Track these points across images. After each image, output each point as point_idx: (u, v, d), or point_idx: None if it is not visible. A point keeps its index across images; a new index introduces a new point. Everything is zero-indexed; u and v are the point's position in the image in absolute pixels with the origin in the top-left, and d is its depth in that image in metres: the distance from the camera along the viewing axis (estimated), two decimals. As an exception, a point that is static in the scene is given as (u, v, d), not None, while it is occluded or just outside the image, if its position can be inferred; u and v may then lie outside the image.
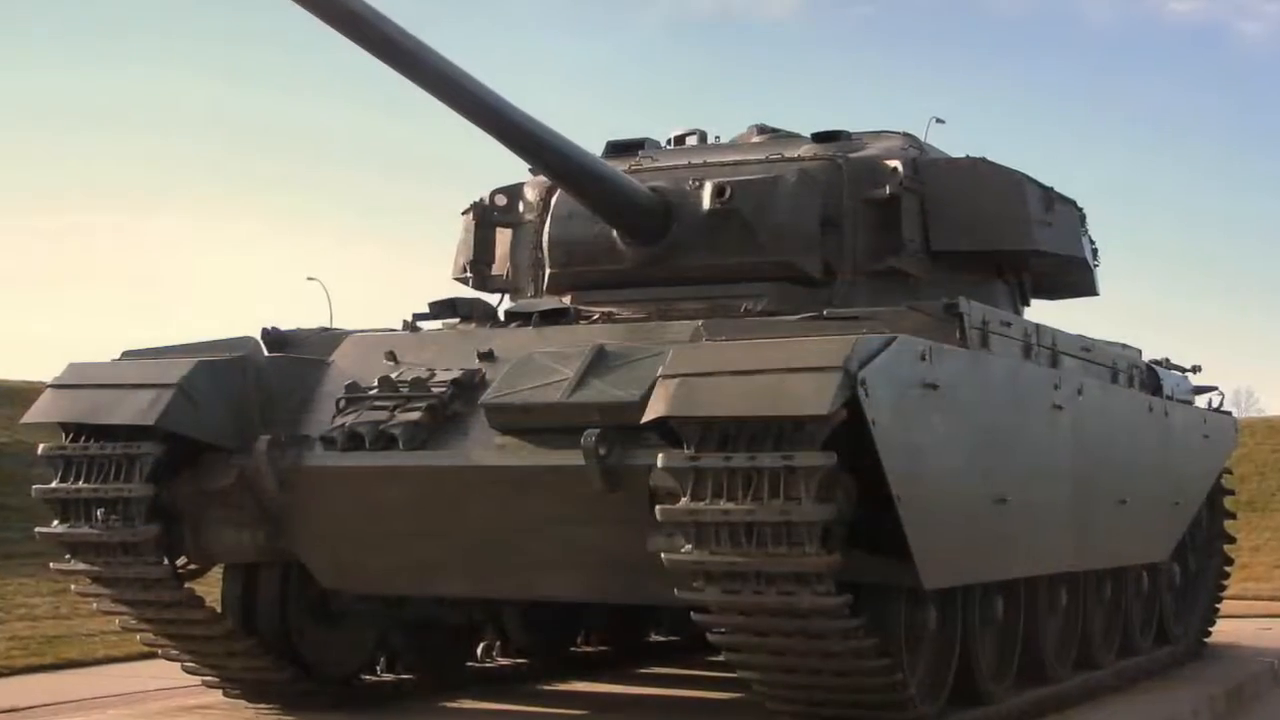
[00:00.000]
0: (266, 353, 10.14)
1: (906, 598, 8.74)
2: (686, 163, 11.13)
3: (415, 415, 9.07)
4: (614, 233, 10.76)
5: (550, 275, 11.14)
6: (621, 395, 8.51)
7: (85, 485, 9.24)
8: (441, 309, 10.88)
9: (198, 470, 9.45)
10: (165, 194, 63.78)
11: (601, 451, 8.35)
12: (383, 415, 9.15)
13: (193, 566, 9.80)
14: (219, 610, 10.09)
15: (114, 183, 62.35)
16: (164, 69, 59.05)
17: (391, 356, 9.81)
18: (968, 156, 11.24)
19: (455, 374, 9.32)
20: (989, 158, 11.14)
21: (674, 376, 7.98)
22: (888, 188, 10.65)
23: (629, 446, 8.40)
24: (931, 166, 11.04)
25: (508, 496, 8.81)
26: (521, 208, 11.72)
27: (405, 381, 9.33)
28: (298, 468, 9.20)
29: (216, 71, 59.03)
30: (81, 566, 9.48)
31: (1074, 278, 12.68)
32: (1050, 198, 11.44)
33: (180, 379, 9.24)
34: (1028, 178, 11.22)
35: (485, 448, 8.90)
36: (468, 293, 11.77)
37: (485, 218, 11.84)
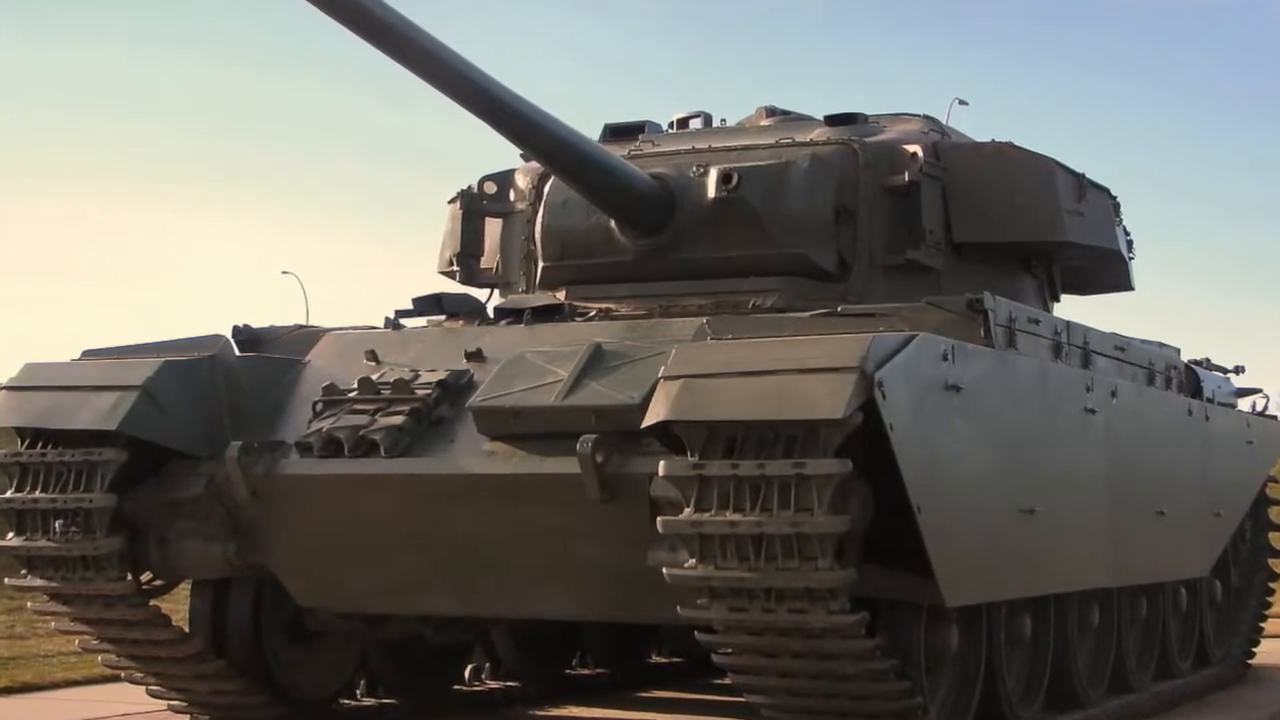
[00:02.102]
0: (238, 352, 10.15)
1: (927, 616, 8.76)
2: (690, 148, 11.13)
3: (398, 419, 9.08)
4: (612, 223, 10.77)
5: (543, 269, 11.15)
6: (620, 398, 8.54)
7: (43, 495, 9.27)
8: (426, 305, 10.87)
9: (163, 479, 9.47)
10: (126, 181, 63.78)
11: (598, 459, 8.37)
12: (363, 420, 9.16)
13: (158, 582, 9.83)
14: (186, 630, 10.10)
15: (69, 168, 62.32)
16: (127, 45, 59.08)
17: (372, 356, 9.83)
18: (993, 141, 11.28)
19: (441, 375, 9.33)
20: (1015, 142, 11.16)
21: (676, 378, 8.00)
22: (906, 174, 10.66)
23: (628, 453, 8.43)
24: (954, 151, 11.07)
25: (497, 507, 8.83)
26: (512, 196, 11.72)
27: (387, 383, 9.35)
28: (271, 476, 9.21)
29: (183, 48, 59.05)
30: (38, 582, 9.50)
31: (1107, 271, 12.70)
32: (1082, 185, 11.44)
33: (144, 381, 9.26)
34: (1058, 163, 11.22)
35: (473, 455, 8.91)
36: (455, 287, 11.78)
37: (473, 207, 11.84)
